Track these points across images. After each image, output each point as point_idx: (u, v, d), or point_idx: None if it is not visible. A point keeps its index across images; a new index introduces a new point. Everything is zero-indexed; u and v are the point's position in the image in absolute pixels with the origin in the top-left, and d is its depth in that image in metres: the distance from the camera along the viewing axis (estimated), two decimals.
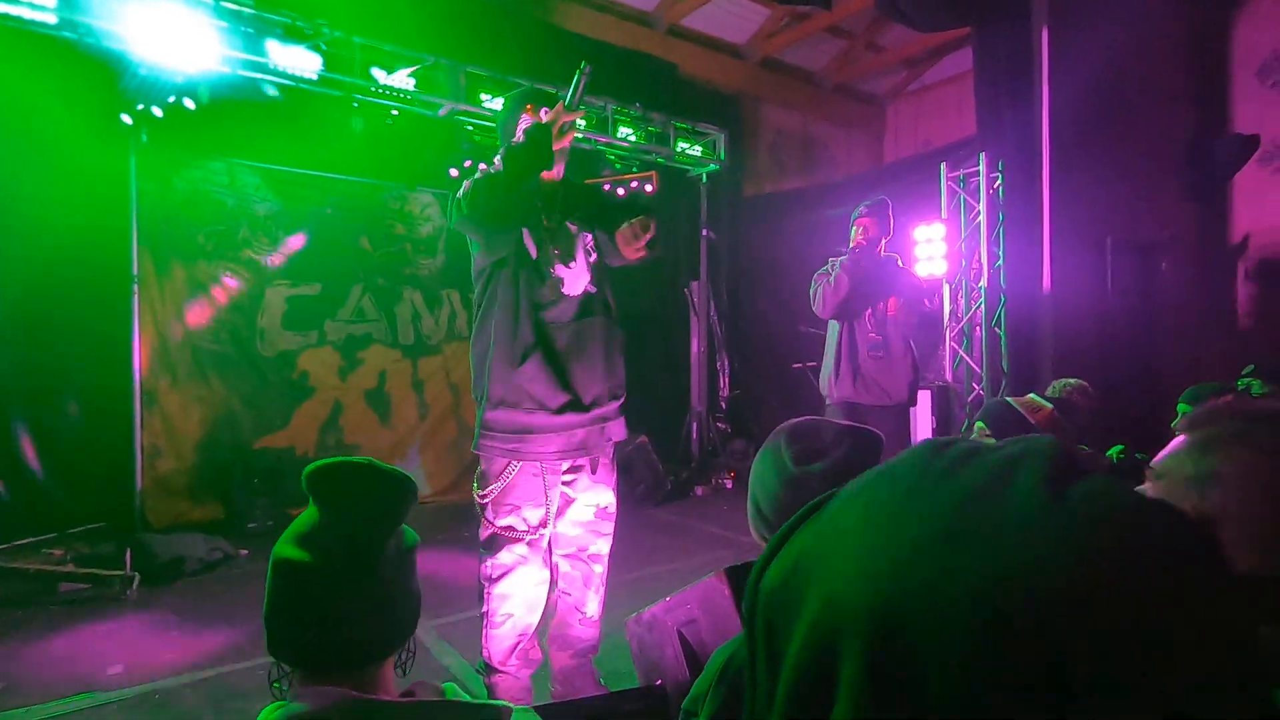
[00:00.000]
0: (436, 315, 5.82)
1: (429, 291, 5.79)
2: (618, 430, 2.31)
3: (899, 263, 3.64)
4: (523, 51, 5.75)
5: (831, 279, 3.36)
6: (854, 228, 3.49)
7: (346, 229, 5.37)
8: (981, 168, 4.78)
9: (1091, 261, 5.14)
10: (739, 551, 4.11)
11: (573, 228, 2.22)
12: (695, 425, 6.68)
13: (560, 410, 2.12)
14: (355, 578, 0.84)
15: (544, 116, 2.10)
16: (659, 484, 5.49)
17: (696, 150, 6.46)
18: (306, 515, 0.88)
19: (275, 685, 0.86)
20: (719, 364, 7.08)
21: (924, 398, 4.89)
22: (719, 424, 6.77)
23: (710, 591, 2.01)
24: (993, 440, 0.41)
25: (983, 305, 4.86)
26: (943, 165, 5.06)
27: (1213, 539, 0.35)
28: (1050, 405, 1.78)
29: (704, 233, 6.77)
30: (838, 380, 3.50)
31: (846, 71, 8.42)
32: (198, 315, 4.74)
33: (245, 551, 4.18)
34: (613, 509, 2.34)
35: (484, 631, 2.19)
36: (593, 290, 2.20)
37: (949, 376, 5.05)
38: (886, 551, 0.35)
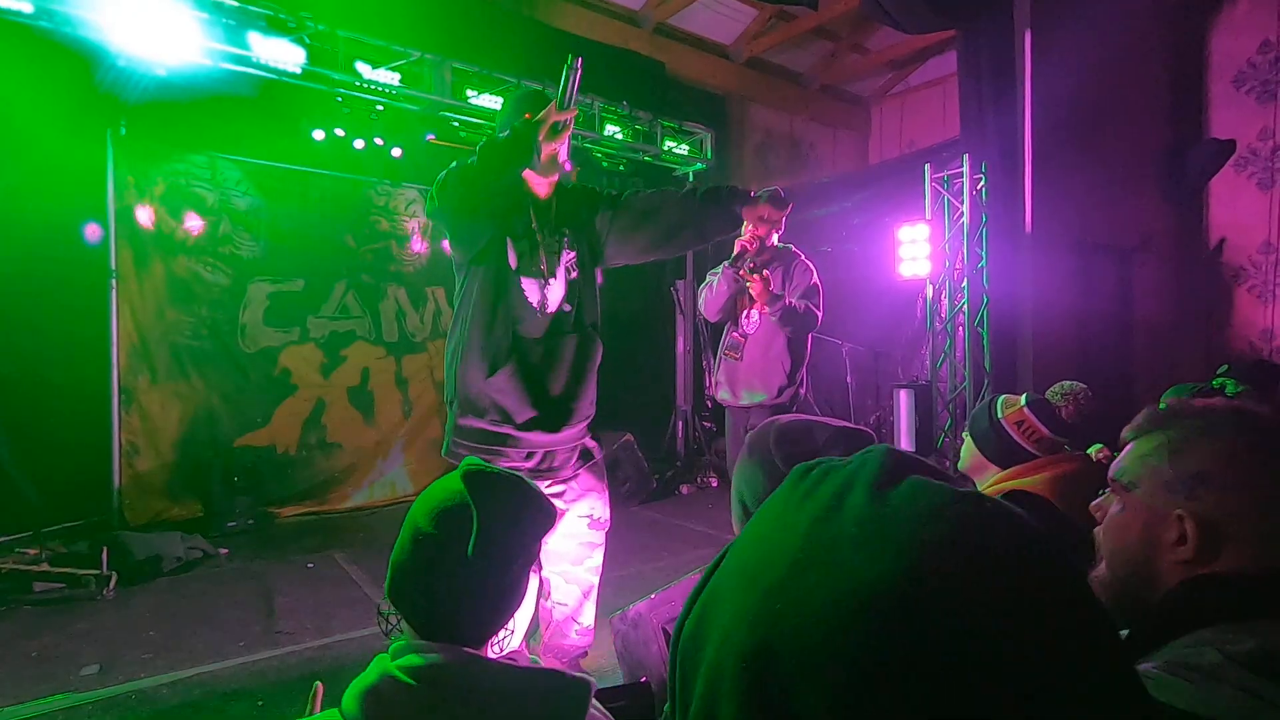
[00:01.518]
0: (421, 312, 5.78)
1: (413, 288, 5.74)
2: (588, 451, 2.29)
3: (794, 253, 3.35)
4: (509, 48, 5.72)
5: (714, 286, 3.18)
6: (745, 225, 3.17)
7: (330, 225, 5.31)
8: (965, 169, 4.83)
9: (1071, 262, 5.22)
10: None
11: (564, 242, 2.15)
12: (680, 424, 6.70)
13: (526, 427, 2.08)
14: (485, 573, 0.93)
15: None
16: (644, 482, 5.50)
17: (683, 149, 6.47)
18: (450, 492, 0.95)
19: (384, 615, 0.95)
20: (705, 363, 7.09)
21: (905, 397, 4.93)
22: (704, 423, 6.78)
23: None
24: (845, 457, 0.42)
25: (965, 305, 4.91)
26: (927, 166, 5.10)
27: (1025, 521, 0.35)
28: (1022, 405, 1.76)
29: None
30: (712, 381, 3.41)
31: (833, 73, 8.47)
32: (177, 311, 4.67)
33: (224, 550, 4.14)
34: (605, 517, 2.30)
35: None
36: (567, 309, 2.14)
37: (932, 375, 5.10)
38: (755, 586, 0.36)
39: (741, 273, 3.08)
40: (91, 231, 4.34)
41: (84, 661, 2.73)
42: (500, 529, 0.94)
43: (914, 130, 8.73)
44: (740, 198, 2.13)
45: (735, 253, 3.05)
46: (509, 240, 2.08)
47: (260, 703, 2.44)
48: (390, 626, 0.93)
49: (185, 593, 3.52)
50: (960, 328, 4.99)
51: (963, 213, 4.90)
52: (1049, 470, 1.62)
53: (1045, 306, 4.88)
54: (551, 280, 2.11)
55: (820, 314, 3.24)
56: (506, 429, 2.08)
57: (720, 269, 3.16)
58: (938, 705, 0.29)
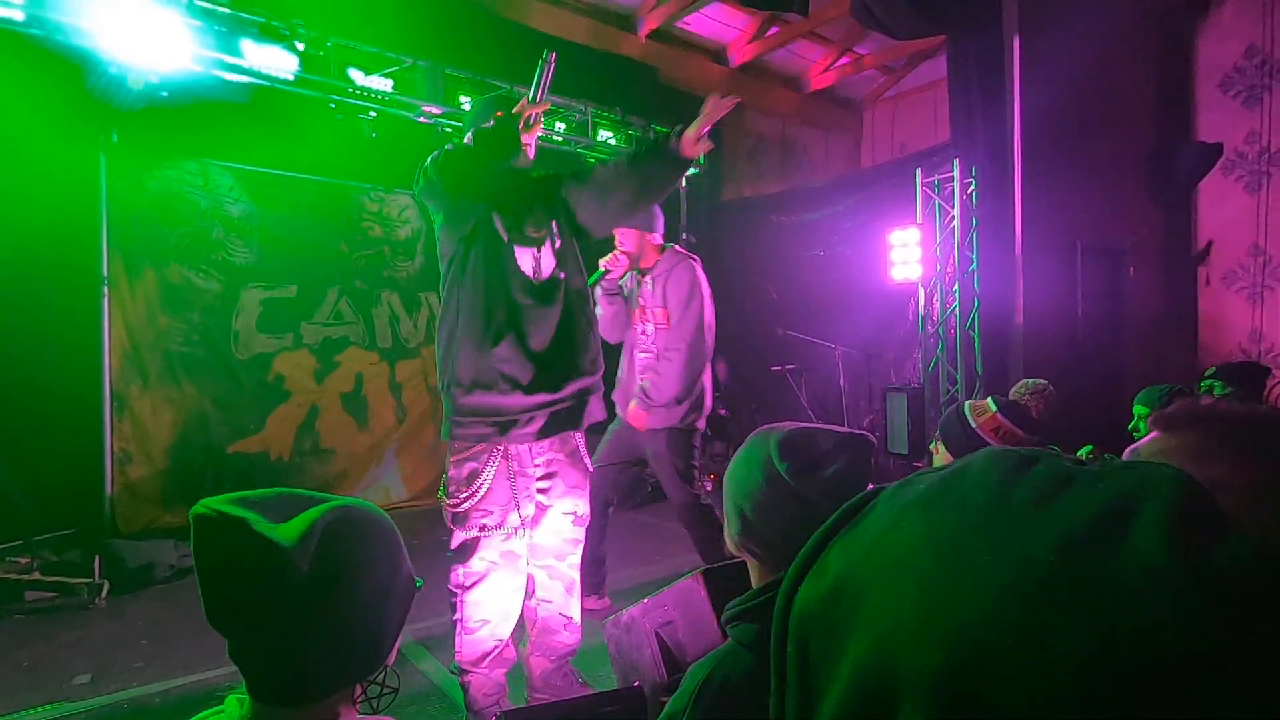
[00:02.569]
0: (414, 318, 5.78)
1: (407, 294, 5.75)
2: (596, 408, 2.32)
3: (676, 258, 3.22)
4: (502, 54, 5.73)
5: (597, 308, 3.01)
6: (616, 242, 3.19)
7: (323, 231, 5.31)
8: (955, 173, 4.86)
9: (1061, 266, 5.25)
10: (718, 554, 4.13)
11: (546, 213, 2.25)
12: None
13: (533, 389, 2.12)
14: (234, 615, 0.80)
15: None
16: (638, 487, 5.50)
17: None
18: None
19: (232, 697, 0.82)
20: None
21: (897, 400, 4.96)
22: None
23: (687, 593, 2.03)
24: (1071, 460, 0.33)
25: (957, 308, 4.94)
26: (918, 170, 5.14)
27: None
28: (995, 409, 1.75)
29: (683, 236, 6.81)
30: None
31: (825, 77, 8.51)
32: (170, 318, 4.66)
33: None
34: (586, 514, 2.35)
35: (458, 636, 2.19)
36: (561, 275, 2.22)
37: (924, 378, 5.12)
38: (958, 600, 0.29)
39: (605, 290, 3.11)
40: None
41: (76, 671, 2.72)
42: (213, 574, 0.81)
43: (906, 134, 8.78)
44: (663, 143, 2.14)
45: (600, 271, 3.06)
46: (495, 215, 2.15)
47: None
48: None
49: (178, 601, 3.51)
50: (952, 331, 5.02)
51: (953, 216, 4.93)
52: None
53: (1036, 309, 4.91)
54: (543, 247, 2.20)
55: (700, 320, 3.14)
56: (515, 397, 2.12)
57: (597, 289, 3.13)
58: None
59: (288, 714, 0.80)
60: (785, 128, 8.73)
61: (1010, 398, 2.50)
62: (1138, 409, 2.85)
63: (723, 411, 7.00)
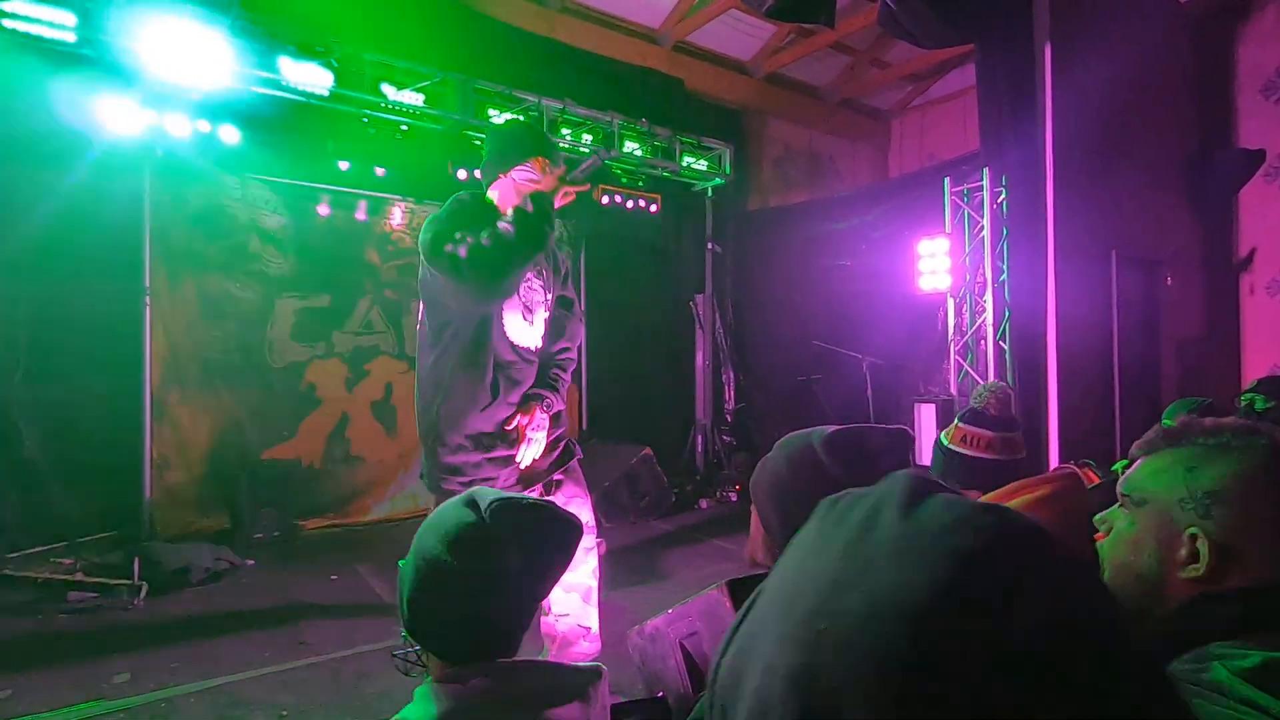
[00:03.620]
0: None
1: None
2: (575, 464, 2.39)
3: None
4: (531, 67, 5.83)
5: None
6: None
7: (355, 242, 5.43)
8: (985, 182, 4.80)
9: (1096, 275, 5.14)
10: (742, 564, 4.10)
11: (555, 275, 2.38)
12: (700, 438, 6.70)
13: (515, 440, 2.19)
14: (504, 598, 0.95)
15: (540, 176, 2.17)
16: (663, 496, 5.50)
17: (702, 164, 6.52)
18: (464, 518, 0.95)
19: (400, 654, 1.00)
20: (724, 377, 7.09)
21: (928, 412, 4.89)
22: (724, 437, 6.77)
23: (712, 604, 2.02)
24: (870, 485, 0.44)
25: (987, 319, 4.86)
26: (946, 180, 5.09)
27: (1043, 532, 0.37)
28: (957, 422, 1.74)
29: (709, 246, 6.82)
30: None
31: (852, 87, 8.48)
32: (208, 327, 4.80)
33: (251, 561, 4.21)
34: (592, 521, 2.38)
35: (545, 637, 2.25)
36: (543, 345, 2.30)
37: (954, 390, 5.05)
38: (794, 612, 0.37)
39: None
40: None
41: (115, 669, 2.80)
42: (523, 552, 0.95)
43: (934, 143, 8.70)
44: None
45: None
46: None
47: (284, 713, 2.48)
48: (409, 665, 0.93)
49: (213, 603, 3.59)
50: (982, 341, 4.95)
51: (983, 226, 4.87)
52: (1037, 490, 1.60)
53: (1070, 320, 4.81)
54: (532, 320, 2.26)
55: None
56: (503, 448, 2.17)
57: None
58: (977, 710, 0.31)
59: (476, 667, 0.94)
60: (812, 137, 8.71)
61: (972, 406, 2.55)
62: (1166, 422, 2.77)
63: (746, 420, 6.97)
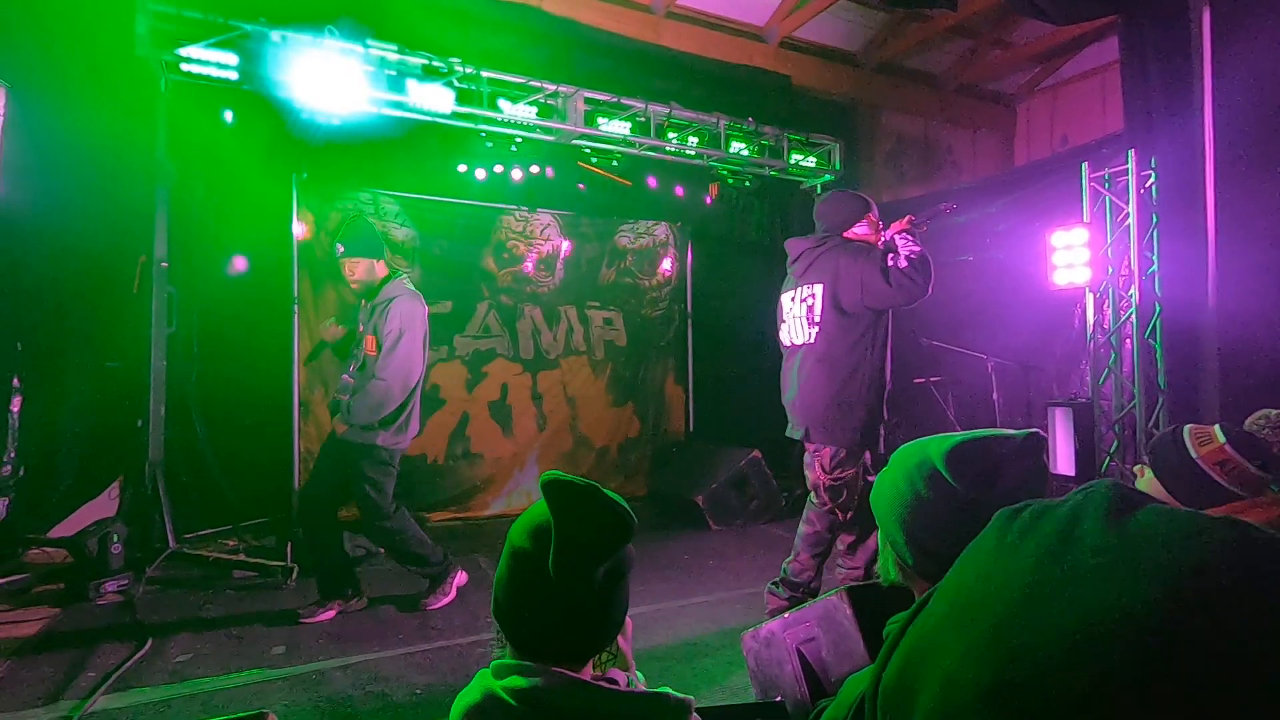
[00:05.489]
0: (555, 331, 6.08)
1: (548, 308, 6.05)
2: None
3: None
4: (637, 74, 5.93)
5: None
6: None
7: (474, 250, 5.75)
8: (1131, 166, 4.39)
9: (1267, 265, 4.56)
10: (856, 571, 3.97)
11: None
12: None
13: None
14: (572, 587, 0.91)
15: (879, 225, 3.14)
16: (772, 500, 5.42)
17: (810, 161, 6.37)
18: (542, 511, 0.95)
19: (501, 648, 0.98)
20: None
21: (1062, 416, 4.53)
22: None
23: (831, 610, 1.98)
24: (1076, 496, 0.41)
25: (1134, 315, 4.44)
26: (1084, 165, 4.69)
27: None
28: (1224, 439, 1.56)
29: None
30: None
31: (971, 71, 8.01)
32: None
33: (382, 550, 4.53)
34: None
35: None
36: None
37: (1094, 392, 4.64)
38: (977, 625, 0.36)
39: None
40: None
41: (273, 642, 3.10)
42: (577, 540, 0.91)
43: (1067, 126, 8.05)
44: None
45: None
46: None
47: (418, 691, 2.66)
48: (495, 639, 0.95)
49: None
50: (1127, 340, 4.52)
51: (1128, 214, 4.45)
52: (1252, 514, 1.43)
53: (1233, 317, 4.30)
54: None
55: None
56: None
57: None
58: None
59: (572, 667, 0.93)
60: (927, 127, 8.30)
61: (1245, 428, 2.18)
62: None
63: None
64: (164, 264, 4.19)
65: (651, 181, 6.28)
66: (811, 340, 3.11)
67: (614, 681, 0.96)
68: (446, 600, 3.55)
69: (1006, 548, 0.39)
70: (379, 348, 3.34)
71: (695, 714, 0.94)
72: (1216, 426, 1.60)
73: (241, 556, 4.06)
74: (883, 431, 3.17)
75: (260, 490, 4.84)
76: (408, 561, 3.53)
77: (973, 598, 0.38)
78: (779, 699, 2.03)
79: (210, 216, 4.69)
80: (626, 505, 0.96)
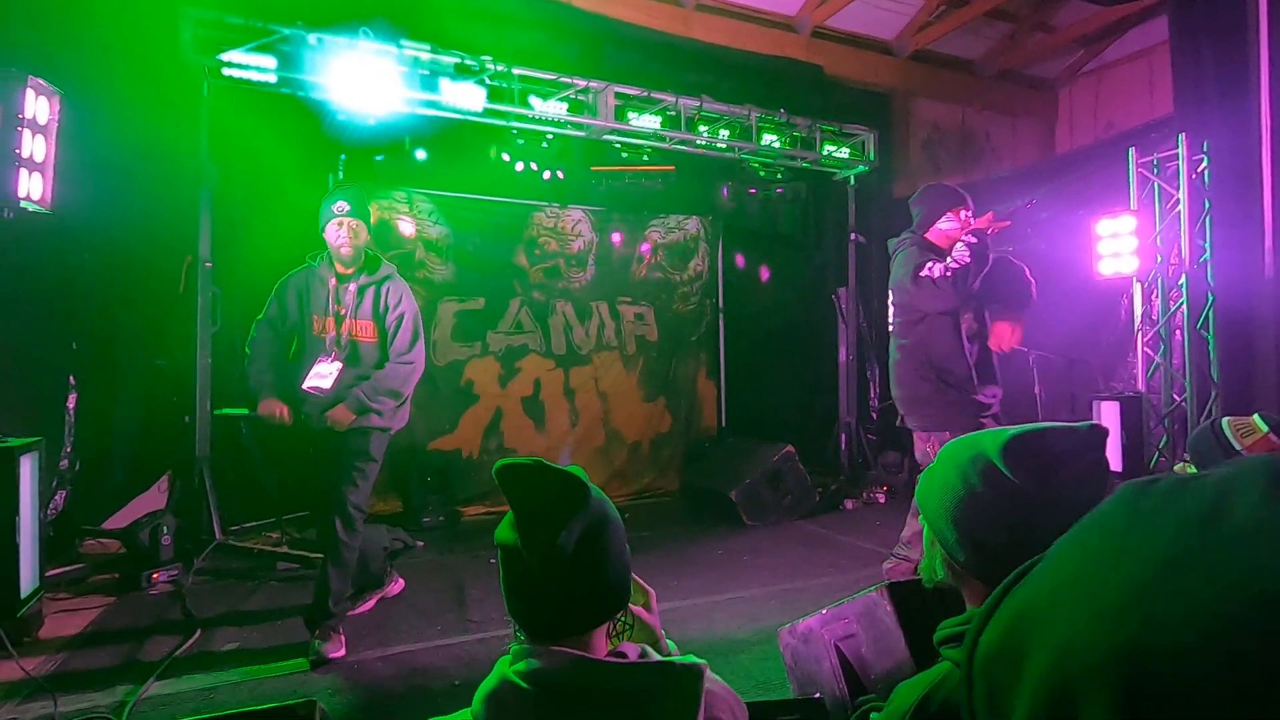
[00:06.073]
0: (586, 326, 6.09)
1: (579, 304, 6.07)
2: None
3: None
4: (667, 68, 5.90)
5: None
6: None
7: (506, 247, 5.79)
8: (1181, 150, 4.23)
9: None
10: (893, 567, 3.91)
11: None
12: (844, 436, 6.45)
13: None
14: (544, 560, 0.92)
15: (969, 218, 3.10)
16: (806, 495, 5.36)
17: (844, 152, 6.27)
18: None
19: (517, 635, 1.01)
20: (869, 373, 6.79)
21: (1109, 410, 4.39)
22: (869, 435, 6.48)
23: (872, 607, 1.95)
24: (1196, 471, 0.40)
25: (1184, 305, 4.28)
26: (1131, 150, 4.54)
27: None
28: (1268, 429, 1.50)
29: (852, 237, 6.55)
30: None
31: (1011, 57, 7.80)
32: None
33: (421, 543, 4.61)
34: None
35: None
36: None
37: (1142, 385, 4.50)
38: (1113, 593, 0.34)
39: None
40: None
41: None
42: (533, 513, 0.94)
43: (1112, 111, 7.79)
44: None
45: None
46: None
47: (456, 683, 2.70)
48: (513, 633, 0.97)
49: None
50: (1178, 331, 4.37)
51: (1178, 200, 4.29)
52: None
53: None
54: None
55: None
56: None
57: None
58: None
59: (574, 641, 0.95)
60: (965, 115, 8.11)
61: None
62: None
63: (893, 419, 6.63)
64: (208, 264, 4.30)
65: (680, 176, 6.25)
66: (894, 332, 3.40)
67: (623, 655, 0.97)
68: (366, 608, 3.40)
69: (1142, 516, 0.37)
70: (380, 333, 3.06)
71: (711, 677, 0.95)
72: (1256, 416, 1.54)
73: (284, 549, 4.16)
74: (982, 412, 3.23)
75: (300, 485, 4.93)
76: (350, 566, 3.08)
77: (1099, 565, 0.36)
78: (817, 695, 2.01)
79: (252, 217, 4.79)
80: (579, 473, 0.98)
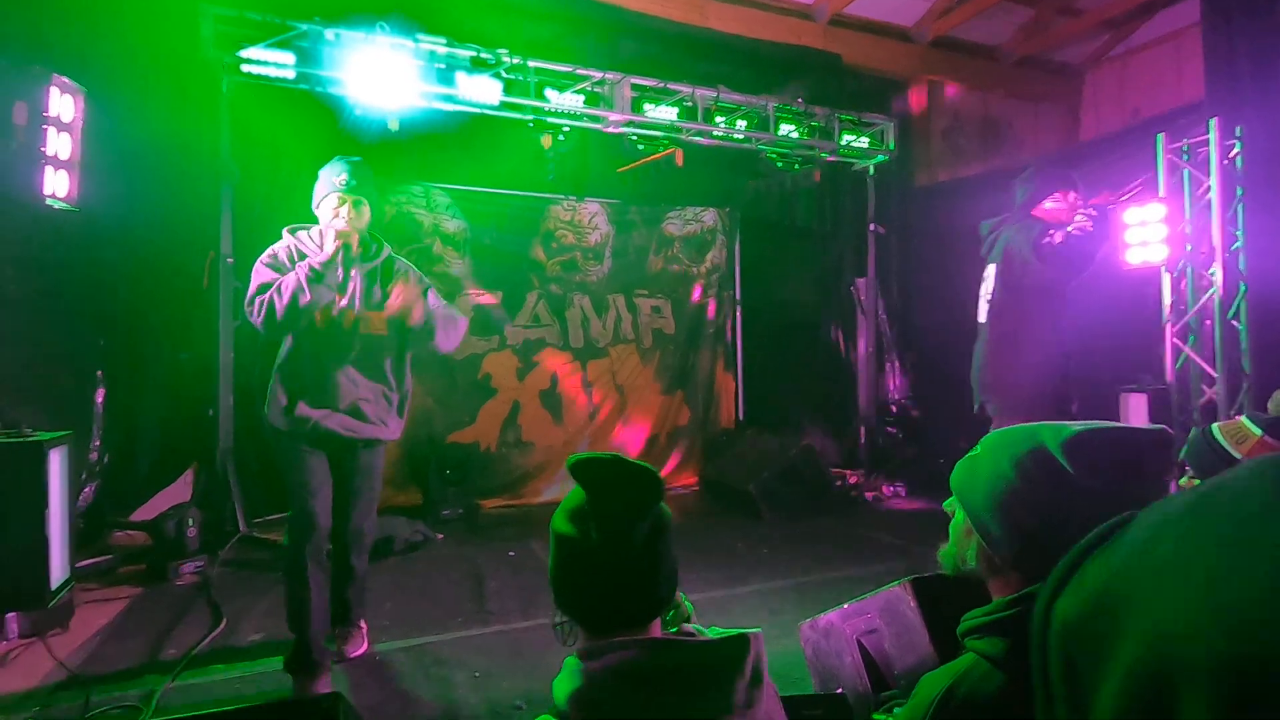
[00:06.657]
0: (604, 319, 6.09)
1: (596, 297, 6.07)
2: None
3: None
4: (683, 59, 5.85)
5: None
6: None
7: (523, 240, 5.79)
8: (1213, 136, 4.12)
9: None
10: (913, 562, 3.88)
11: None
12: (863, 430, 6.40)
13: None
14: (617, 552, 0.95)
15: (1076, 199, 3.06)
16: (825, 489, 5.33)
17: (863, 142, 6.19)
18: (576, 494, 1.00)
19: (558, 627, 1.03)
20: (888, 365, 6.72)
21: (1139, 403, 4.31)
22: (888, 429, 6.42)
23: (894, 601, 1.93)
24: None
25: (1215, 295, 4.18)
26: (1160, 136, 4.42)
27: None
28: (1261, 431, 1.46)
29: (871, 227, 6.47)
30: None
31: (1034, 42, 7.64)
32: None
33: (440, 535, 4.64)
34: None
35: None
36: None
37: (1171, 377, 4.40)
38: (1238, 587, 0.31)
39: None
40: None
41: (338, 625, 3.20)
42: (615, 505, 0.95)
43: (1139, 97, 7.61)
44: None
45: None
46: None
47: (476, 674, 2.71)
48: (565, 635, 0.98)
49: (411, 571, 4.00)
50: (1208, 321, 4.27)
51: (1209, 187, 4.18)
52: None
53: None
54: None
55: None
56: None
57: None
58: None
59: (636, 632, 0.96)
60: (986, 103, 7.97)
61: (1272, 413, 2.00)
62: None
63: (913, 412, 6.56)
64: (230, 259, 4.35)
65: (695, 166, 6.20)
66: (986, 318, 3.31)
67: (691, 634, 1.01)
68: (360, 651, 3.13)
69: (1271, 509, 0.33)
70: (393, 321, 2.71)
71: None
72: (1244, 419, 1.50)
73: None
74: (1065, 405, 3.25)
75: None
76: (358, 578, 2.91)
77: (1223, 551, 0.33)
78: (839, 690, 2.00)
79: (272, 213, 4.82)
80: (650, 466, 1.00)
